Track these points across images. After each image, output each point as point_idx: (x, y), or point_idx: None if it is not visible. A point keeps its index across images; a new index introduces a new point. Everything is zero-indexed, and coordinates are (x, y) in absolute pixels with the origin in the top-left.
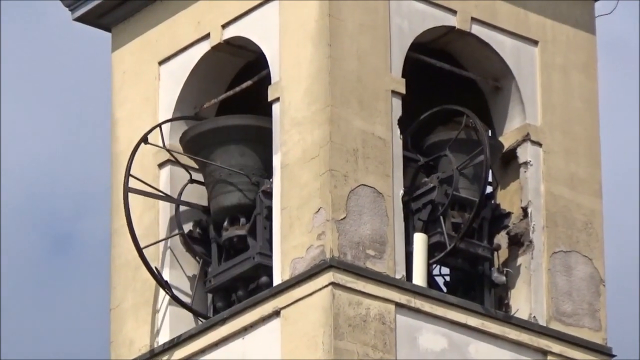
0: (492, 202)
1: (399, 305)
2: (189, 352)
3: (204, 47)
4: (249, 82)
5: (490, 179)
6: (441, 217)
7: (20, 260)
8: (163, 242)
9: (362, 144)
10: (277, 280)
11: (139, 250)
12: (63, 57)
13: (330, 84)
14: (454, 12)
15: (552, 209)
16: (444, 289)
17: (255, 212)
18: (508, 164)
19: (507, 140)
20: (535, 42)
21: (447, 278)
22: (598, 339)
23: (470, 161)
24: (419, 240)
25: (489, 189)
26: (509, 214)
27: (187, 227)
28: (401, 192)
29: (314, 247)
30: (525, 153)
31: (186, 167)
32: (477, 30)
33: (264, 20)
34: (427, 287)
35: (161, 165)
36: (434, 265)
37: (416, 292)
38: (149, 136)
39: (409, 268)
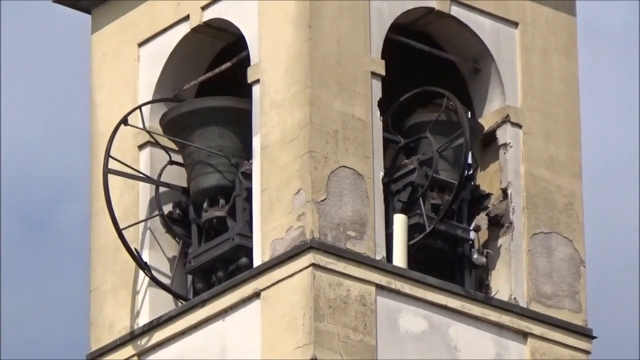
0: (472, 183)
1: (379, 286)
2: (168, 334)
3: (183, 29)
4: (228, 64)
5: (470, 161)
6: (420, 199)
7: None
8: (143, 223)
9: (342, 126)
10: (257, 262)
11: (119, 232)
12: (42, 39)
13: (309, 65)
14: None
15: (532, 190)
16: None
17: (234, 194)
18: (488, 145)
19: (486, 121)
20: (515, 24)
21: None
22: (578, 321)
23: (450, 143)
24: (399, 221)
25: (469, 171)
26: (488, 195)
27: (167, 208)
28: (381, 173)
29: (294, 228)
30: (505, 135)
31: (166, 149)
32: (456, 11)
33: (243, 2)
34: (408, 268)
35: (141, 147)
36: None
37: (396, 273)
38: (128, 118)
39: (389, 249)
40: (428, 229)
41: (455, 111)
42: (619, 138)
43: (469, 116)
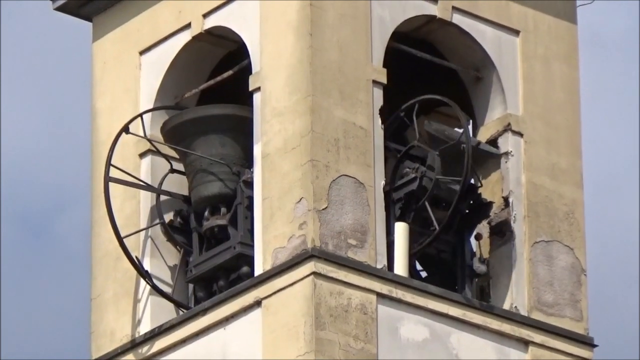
0: (474, 192)
1: (380, 295)
2: (170, 342)
3: (185, 37)
4: (229, 72)
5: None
6: (413, 213)
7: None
8: (144, 231)
9: (344, 134)
10: (258, 270)
11: (120, 240)
12: (43, 47)
13: (311, 73)
14: (435, 0)
15: (533, 198)
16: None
17: (236, 202)
18: (489, 154)
19: (488, 130)
20: (516, 32)
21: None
22: (580, 329)
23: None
24: (400, 229)
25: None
26: (490, 204)
27: (168, 216)
28: (382, 182)
29: (296, 236)
30: (507, 143)
31: (167, 157)
32: (458, 19)
33: (245, 10)
34: (409, 276)
35: (142, 155)
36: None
37: (397, 282)
38: (129, 126)
39: (390, 258)
40: (413, 250)
41: (465, 133)
42: (620, 146)
43: (470, 123)
